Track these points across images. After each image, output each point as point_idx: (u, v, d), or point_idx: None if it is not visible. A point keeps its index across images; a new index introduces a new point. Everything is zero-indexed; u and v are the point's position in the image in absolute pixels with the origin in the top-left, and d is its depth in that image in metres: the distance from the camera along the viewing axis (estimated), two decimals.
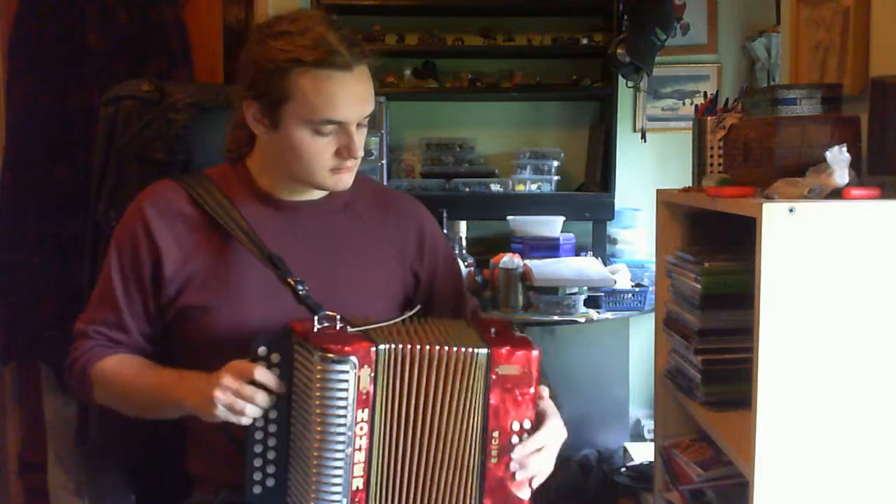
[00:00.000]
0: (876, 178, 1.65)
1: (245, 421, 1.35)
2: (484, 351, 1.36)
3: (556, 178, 3.53)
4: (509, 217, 3.42)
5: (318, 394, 1.31)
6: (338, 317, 1.40)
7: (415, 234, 1.67)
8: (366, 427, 1.33)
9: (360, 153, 1.51)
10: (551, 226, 3.37)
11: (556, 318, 3.06)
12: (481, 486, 1.38)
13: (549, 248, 3.32)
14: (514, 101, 3.70)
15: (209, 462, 1.56)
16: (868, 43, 1.84)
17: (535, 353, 1.37)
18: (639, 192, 3.47)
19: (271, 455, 1.38)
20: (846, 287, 1.47)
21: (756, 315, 1.47)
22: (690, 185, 2.11)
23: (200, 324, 1.52)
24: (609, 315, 3.14)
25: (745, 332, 1.60)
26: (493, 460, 1.37)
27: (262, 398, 1.35)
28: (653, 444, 2.25)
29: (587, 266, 3.22)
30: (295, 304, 1.50)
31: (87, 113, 2.66)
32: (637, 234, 3.54)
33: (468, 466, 1.37)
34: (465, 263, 3.11)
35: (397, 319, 1.45)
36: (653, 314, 2.23)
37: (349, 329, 1.38)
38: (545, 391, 1.44)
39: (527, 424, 1.38)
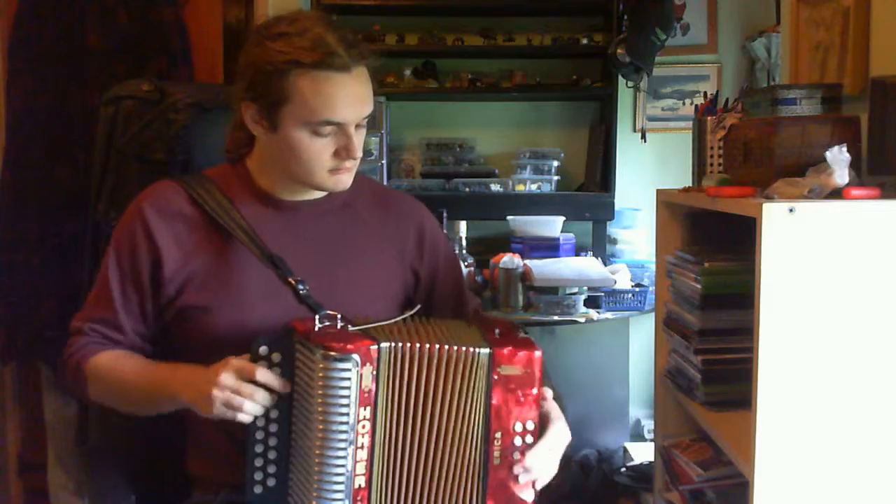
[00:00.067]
0: (876, 178, 1.65)
1: (242, 417, 1.35)
2: (486, 350, 1.36)
3: (556, 178, 3.53)
4: (509, 217, 3.42)
5: (319, 392, 1.31)
6: (338, 316, 1.40)
7: (415, 233, 1.67)
8: (368, 425, 1.33)
9: (359, 154, 1.51)
10: (551, 226, 3.37)
11: (556, 318, 3.06)
12: (484, 487, 1.38)
13: (549, 248, 3.32)
14: (514, 101, 3.69)
15: (209, 462, 1.56)
16: (868, 43, 1.84)
17: (537, 353, 1.37)
18: (639, 192, 3.47)
19: (272, 455, 1.38)
20: (846, 287, 1.47)
21: (756, 315, 1.47)
22: (690, 185, 2.11)
23: (200, 324, 1.52)
24: (609, 315, 3.13)
25: (745, 332, 1.60)
26: (496, 461, 1.37)
27: (261, 396, 1.35)
28: (653, 444, 2.25)
29: (587, 266, 3.22)
30: (295, 303, 1.50)
31: (87, 113, 2.66)
32: (637, 234, 3.53)
33: (470, 466, 1.37)
34: (465, 263, 3.11)
35: (398, 318, 1.45)
36: (653, 314, 2.23)
37: (350, 328, 1.39)
38: (549, 393, 1.44)
39: (530, 425, 1.38)
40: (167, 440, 1.63)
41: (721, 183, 1.83)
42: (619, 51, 3.23)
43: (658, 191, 2.16)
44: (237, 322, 1.50)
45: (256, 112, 1.49)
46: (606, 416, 3.26)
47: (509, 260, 3.16)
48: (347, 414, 1.31)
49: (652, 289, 2.80)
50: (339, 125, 1.47)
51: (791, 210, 1.44)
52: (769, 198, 1.52)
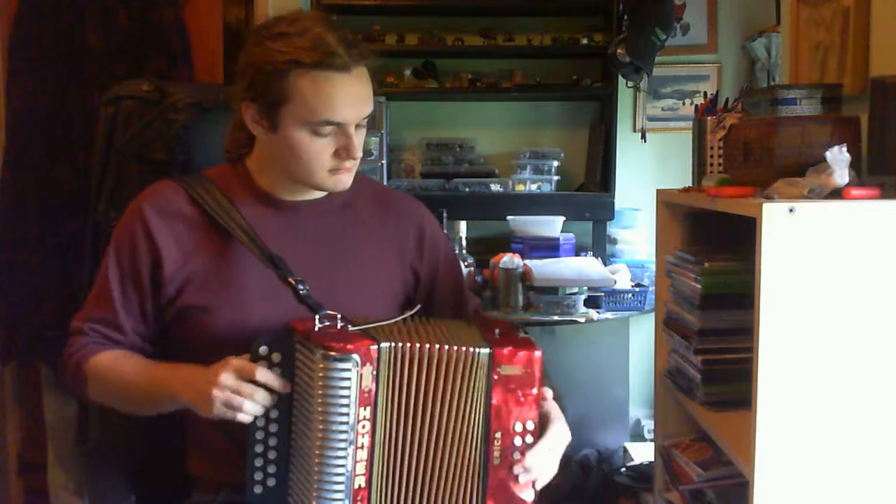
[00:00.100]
0: (876, 178, 1.65)
1: (242, 417, 1.35)
2: (485, 350, 1.36)
3: (556, 178, 3.53)
4: (509, 217, 3.42)
5: (320, 392, 1.31)
6: (338, 316, 1.40)
7: (415, 233, 1.67)
8: (368, 425, 1.33)
9: (359, 154, 1.51)
10: (551, 226, 3.37)
11: (556, 318, 3.06)
12: (484, 487, 1.38)
13: (549, 248, 3.32)
14: (514, 101, 3.70)
15: (209, 462, 1.56)
16: (868, 43, 1.84)
17: (537, 353, 1.37)
18: (639, 192, 3.47)
19: (272, 455, 1.38)
20: (846, 287, 1.47)
21: (756, 315, 1.47)
22: (690, 185, 2.11)
23: (201, 324, 1.52)
24: (609, 315, 3.13)
25: (745, 332, 1.60)
26: (496, 461, 1.37)
27: (261, 396, 1.35)
28: (653, 444, 2.25)
29: (587, 266, 3.22)
30: (295, 303, 1.50)
31: (87, 113, 2.66)
32: (637, 234, 3.54)
33: (470, 466, 1.37)
34: (465, 263, 3.11)
35: (398, 318, 1.45)
36: (653, 314, 2.23)
37: (350, 328, 1.39)
38: (549, 393, 1.44)
39: (530, 426, 1.38)
40: (167, 440, 1.63)
41: (721, 183, 1.83)
42: (619, 51, 3.24)
43: (658, 191, 2.16)
44: (237, 322, 1.50)
45: (256, 112, 1.49)
46: (606, 416, 3.27)
47: (509, 260, 3.16)
48: (347, 414, 1.31)
49: (652, 289, 2.80)
50: (339, 125, 1.47)
51: (791, 210, 1.44)
52: (769, 198, 1.52)
